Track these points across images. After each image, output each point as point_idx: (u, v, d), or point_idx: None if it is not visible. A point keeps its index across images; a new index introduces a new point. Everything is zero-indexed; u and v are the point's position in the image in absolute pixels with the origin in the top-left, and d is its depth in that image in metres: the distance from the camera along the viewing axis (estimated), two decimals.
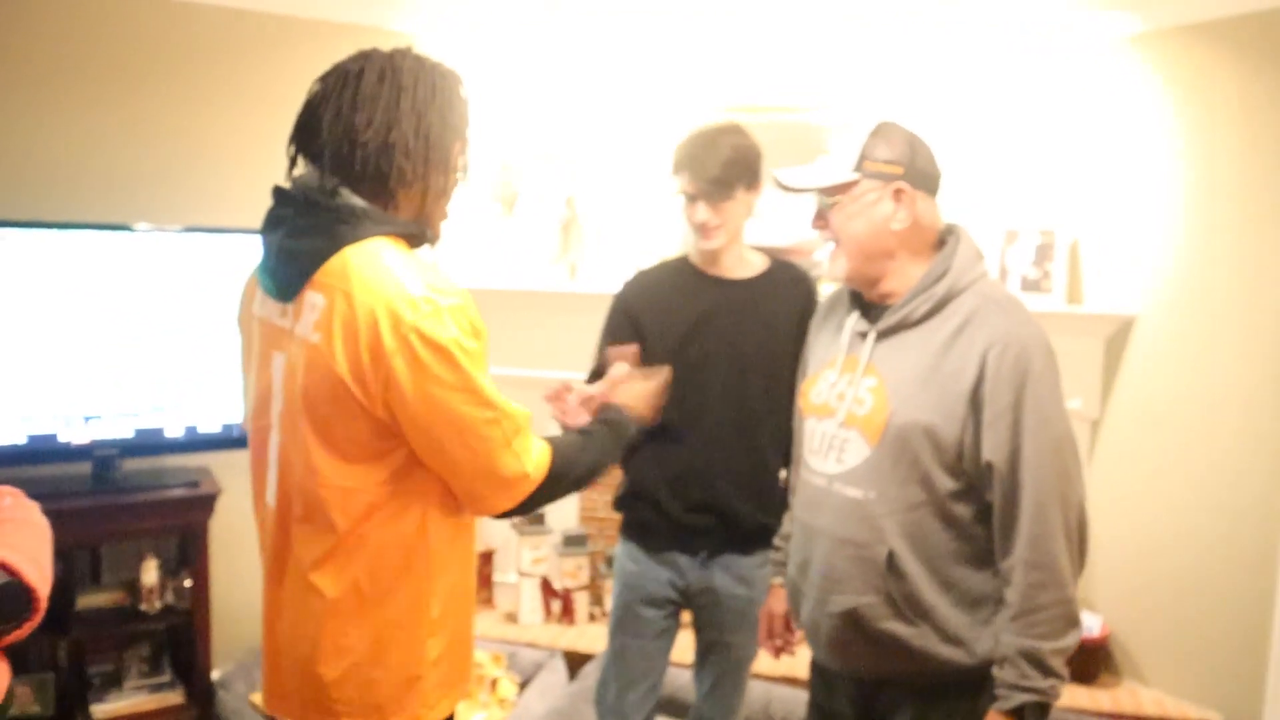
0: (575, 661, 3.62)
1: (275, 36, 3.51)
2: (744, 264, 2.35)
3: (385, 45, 1.57)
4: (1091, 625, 3.54)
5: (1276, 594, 3.16)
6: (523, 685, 3.45)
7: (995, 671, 1.70)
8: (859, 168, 1.78)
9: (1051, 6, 3.29)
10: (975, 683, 1.74)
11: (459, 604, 1.62)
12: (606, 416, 1.81)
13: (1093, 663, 3.52)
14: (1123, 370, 3.57)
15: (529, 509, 1.60)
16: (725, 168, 2.20)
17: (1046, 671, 1.66)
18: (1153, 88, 3.45)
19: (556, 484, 1.60)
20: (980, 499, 1.74)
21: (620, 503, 2.44)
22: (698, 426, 2.28)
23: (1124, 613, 3.59)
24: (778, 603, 2.17)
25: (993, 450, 1.67)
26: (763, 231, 3.49)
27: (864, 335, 1.83)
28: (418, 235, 1.54)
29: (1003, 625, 1.70)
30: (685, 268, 2.37)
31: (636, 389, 1.96)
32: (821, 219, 1.84)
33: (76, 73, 3.24)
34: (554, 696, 3.27)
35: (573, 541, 3.96)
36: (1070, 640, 1.68)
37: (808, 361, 2.02)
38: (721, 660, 2.41)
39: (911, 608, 1.74)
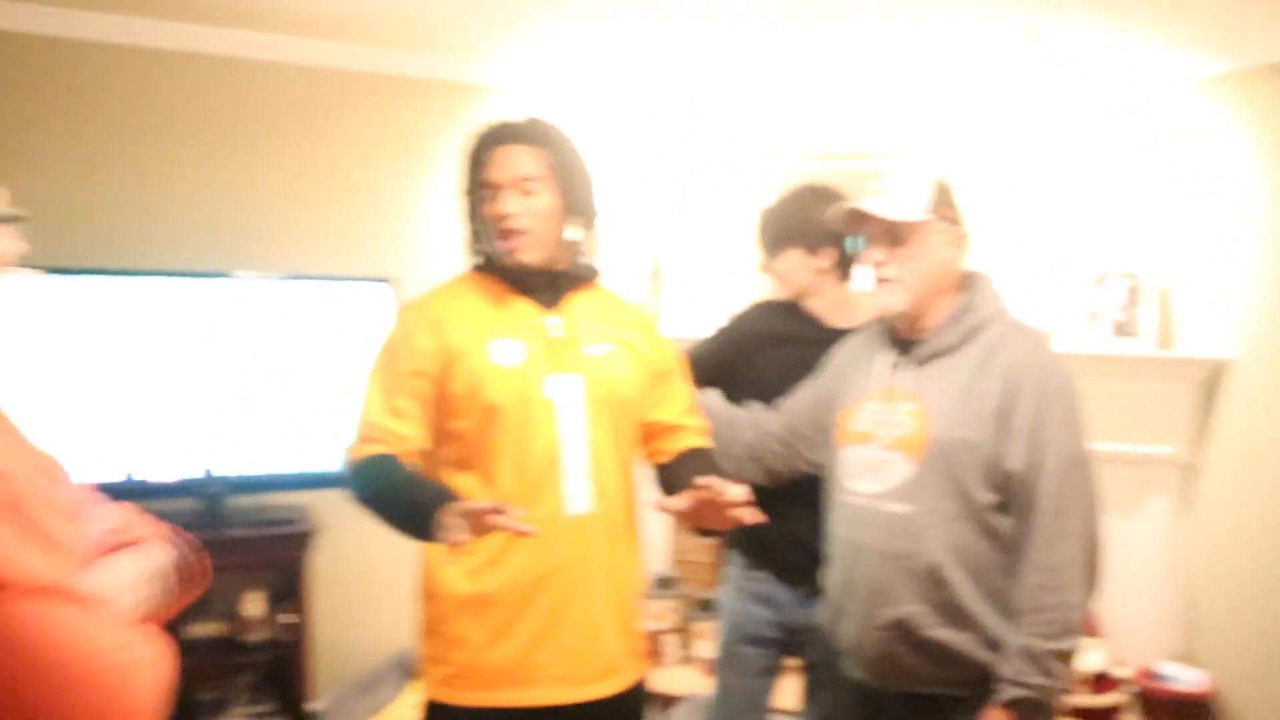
0: (664, 702, 3.65)
1: (365, 93, 3.73)
2: (847, 313, 2.41)
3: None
4: (1194, 680, 3.43)
5: None
6: None
7: (996, 667, 1.80)
8: (933, 210, 1.94)
9: (1132, 48, 3.30)
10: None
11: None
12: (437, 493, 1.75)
13: (1198, 719, 3.40)
14: (1221, 415, 3.48)
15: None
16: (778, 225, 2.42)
17: (1044, 670, 1.76)
18: (1238, 129, 3.41)
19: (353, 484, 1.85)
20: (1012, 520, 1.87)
21: (741, 535, 2.48)
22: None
23: (1230, 667, 3.45)
24: None
25: (1014, 459, 1.84)
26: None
27: (898, 365, 2.00)
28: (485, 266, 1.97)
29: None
30: (794, 308, 2.47)
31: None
32: (886, 252, 1.96)
33: (188, 132, 3.49)
34: None
35: (664, 584, 4.01)
36: (1068, 644, 1.79)
37: (838, 393, 2.12)
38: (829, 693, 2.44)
39: (957, 615, 1.85)
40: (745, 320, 2.56)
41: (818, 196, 2.37)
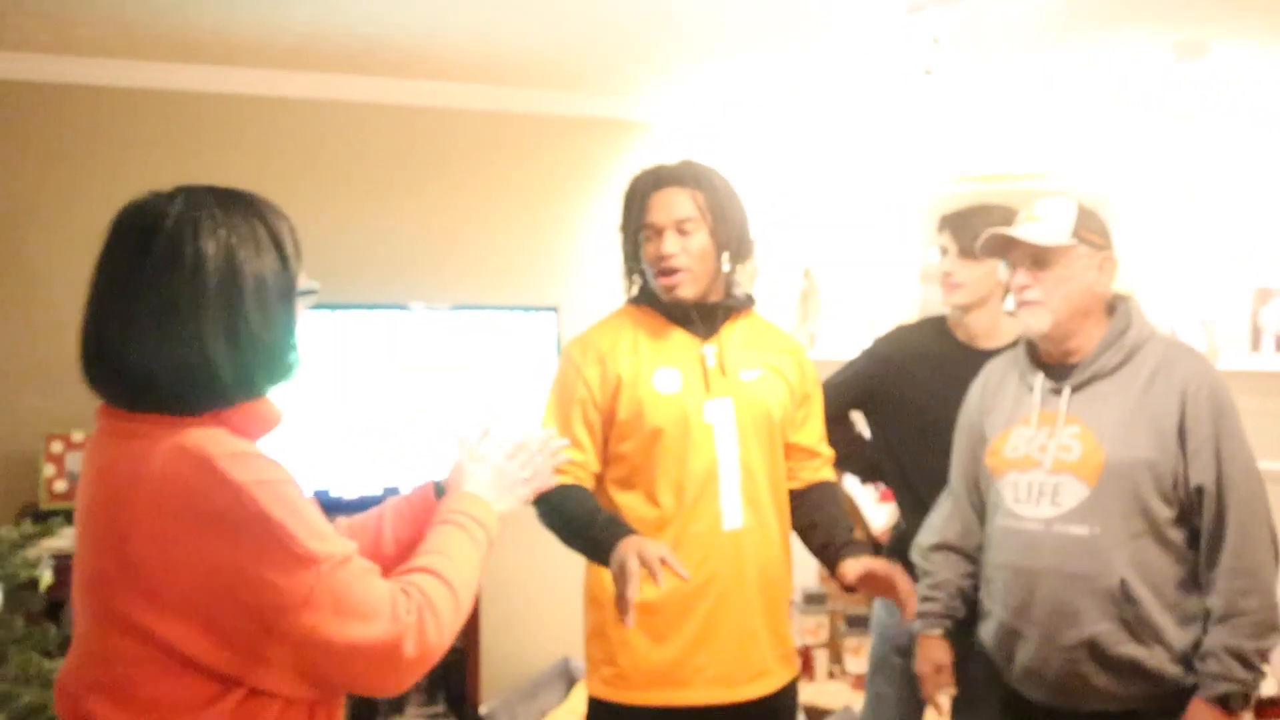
0: (814, 715, 3.74)
1: (528, 133, 3.96)
2: (996, 334, 2.46)
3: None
4: None
5: None
6: None
7: (1199, 665, 1.88)
8: (1077, 234, 1.99)
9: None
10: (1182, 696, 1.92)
11: None
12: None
13: None
14: None
15: None
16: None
17: (1249, 666, 1.85)
18: None
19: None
20: (1190, 524, 1.94)
21: (892, 549, 2.57)
22: (945, 484, 2.41)
23: None
24: (942, 654, 2.21)
25: (1200, 474, 1.90)
26: None
27: (1056, 391, 2.03)
28: (643, 298, 2.15)
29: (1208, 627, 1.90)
30: (941, 330, 2.54)
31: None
32: (1031, 274, 2.02)
33: (367, 176, 3.78)
34: None
35: (813, 600, 4.10)
36: (1271, 641, 1.87)
37: (985, 423, 2.16)
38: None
39: (1145, 631, 1.91)
40: (892, 342, 2.63)
41: (1014, 212, 2.42)
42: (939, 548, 2.24)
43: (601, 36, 3.20)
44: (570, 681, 3.89)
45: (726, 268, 2.08)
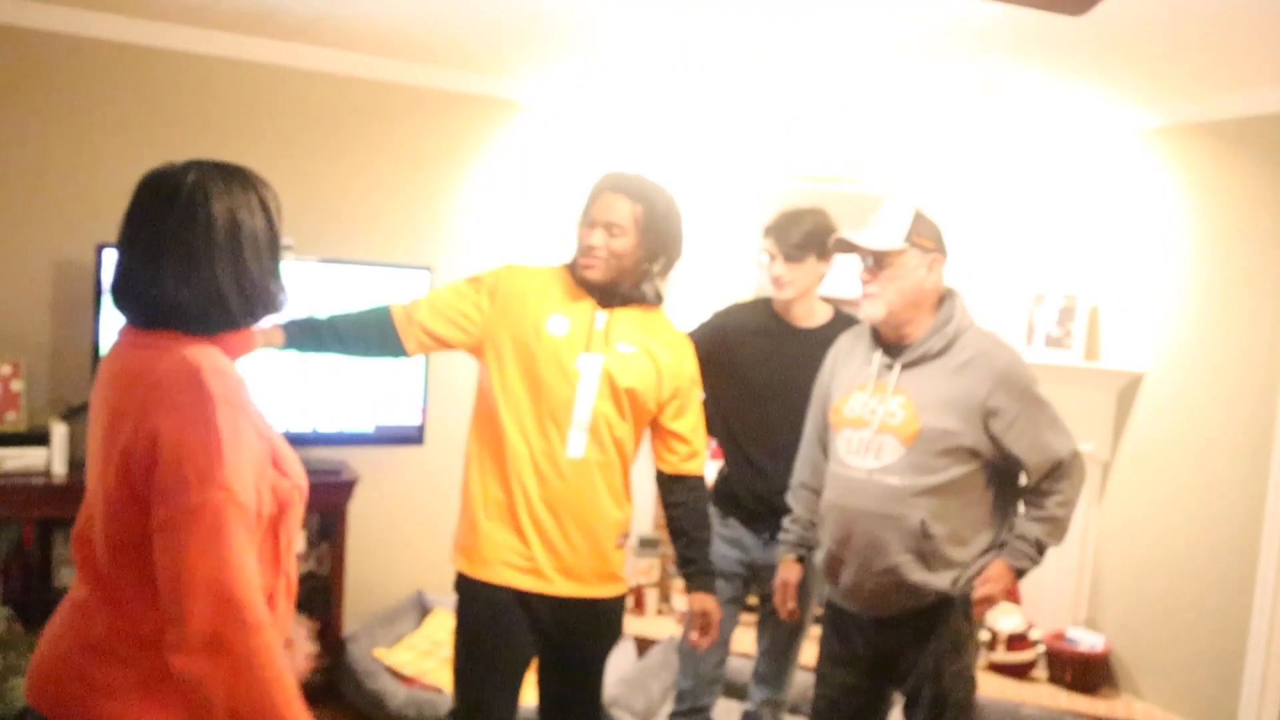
0: (642, 645, 4.22)
1: (411, 104, 4.23)
2: (812, 315, 2.95)
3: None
4: (1095, 642, 4.03)
5: (1251, 619, 3.63)
6: None
7: (1010, 540, 2.44)
8: (908, 239, 2.41)
9: (1077, 103, 3.85)
10: (949, 604, 2.44)
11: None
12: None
13: (1095, 676, 3.99)
14: (1131, 420, 4.08)
15: None
16: (804, 238, 2.83)
17: (1041, 551, 2.46)
18: (1168, 175, 3.99)
19: None
20: (985, 480, 2.43)
21: (716, 491, 3.04)
22: (763, 440, 2.91)
23: (1124, 632, 4.07)
24: (792, 573, 2.74)
25: (1016, 442, 2.38)
26: (836, 283, 4.04)
27: (889, 366, 2.46)
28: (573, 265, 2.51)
29: (1025, 518, 2.47)
30: (767, 310, 2.99)
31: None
32: (870, 273, 2.45)
33: (260, 133, 3.99)
34: (623, 670, 3.86)
35: (647, 544, 4.56)
36: (1057, 541, 2.47)
37: (832, 386, 2.61)
38: (776, 623, 2.99)
39: (937, 561, 2.41)
40: (727, 316, 3.07)
41: (825, 214, 2.89)
42: (799, 487, 2.71)
43: (484, 22, 3.49)
44: (424, 611, 4.23)
45: (655, 268, 2.48)
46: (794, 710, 3.49)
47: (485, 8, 3.31)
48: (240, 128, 3.94)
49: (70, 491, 3.49)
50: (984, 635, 4.04)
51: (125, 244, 1.56)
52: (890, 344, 2.50)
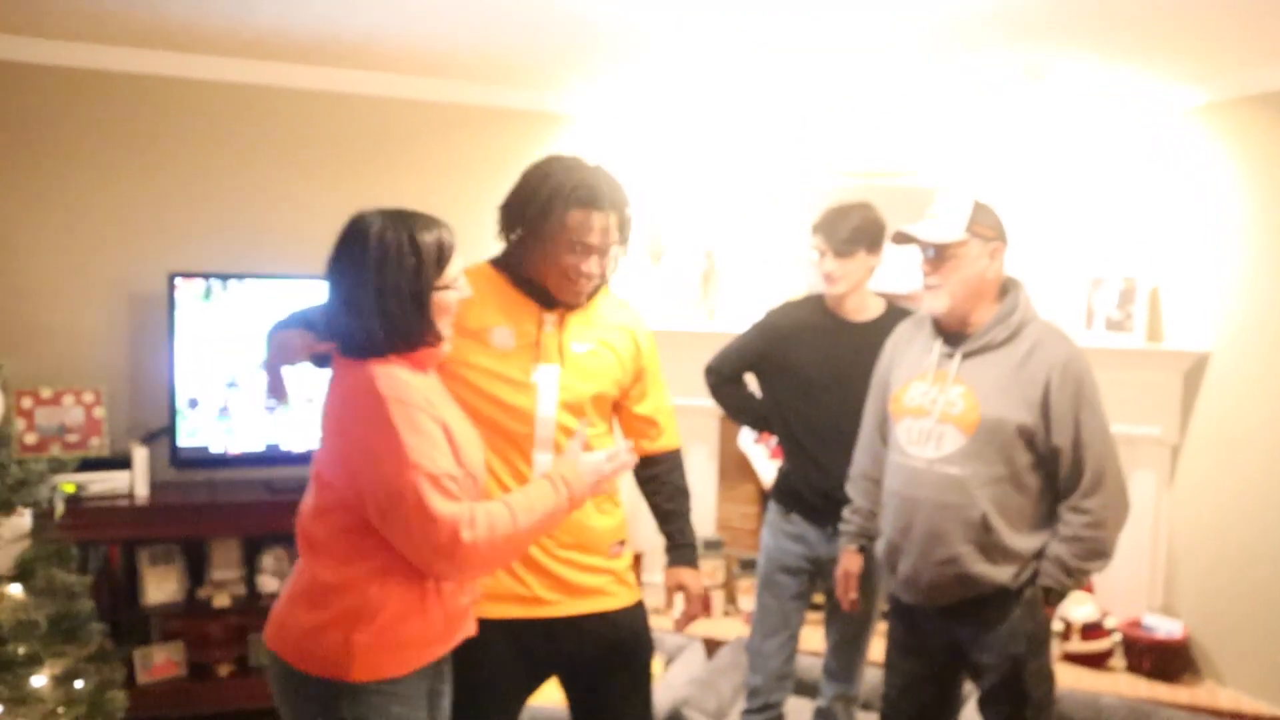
0: (711, 646, 4.24)
1: (450, 121, 4.32)
2: (865, 309, 2.96)
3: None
4: (1173, 629, 3.95)
5: None
6: (667, 663, 4.08)
7: (1040, 564, 2.39)
8: (969, 229, 2.40)
9: (1125, 80, 3.82)
10: (1009, 596, 2.42)
11: None
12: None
13: (1175, 663, 3.91)
14: (1200, 401, 4.01)
15: None
16: (853, 233, 2.84)
17: (1070, 575, 2.38)
18: (1222, 150, 3.92)
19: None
20: (1046, 474, 2.39)
21: (777, 488, 3.09)
22: (822, 436, 2.91)
23: (1203, 618, 3.99)
24: (854, 564, 2.74)
25: (1059, 436, 2.33)
26: (887, 279, 4.04)
27: (950, 355, 2.45)
28: (502, 263, 2.34)
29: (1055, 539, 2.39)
30: (820, 306, 3.01)
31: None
32: (930, 264, 2.44)
33: (314, 158, 4.10)
34: (693, 671, 3.89)
35: (710, 546, 4.59)
36: (1095, 564, 2.38)
37: (891, 375, 2.60)
38: (843, 617, 2.98)
39: (997, 553, 2.38)
40: (781, 314, 3.09)
41: (872, 208, 2.90)
42: (859, 478, 2.71)
43: (530, 38, 3.56)
44: None
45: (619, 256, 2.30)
46: (866, 706, 3.48)
47: (530, 24, 3.38)
48: (299, 155, 4.08)
49: (152, 512, 3.62)
50: (1057, 625, 3.99)
51: (333, 285, 1.89)
52: (950, 333, 2.49)
